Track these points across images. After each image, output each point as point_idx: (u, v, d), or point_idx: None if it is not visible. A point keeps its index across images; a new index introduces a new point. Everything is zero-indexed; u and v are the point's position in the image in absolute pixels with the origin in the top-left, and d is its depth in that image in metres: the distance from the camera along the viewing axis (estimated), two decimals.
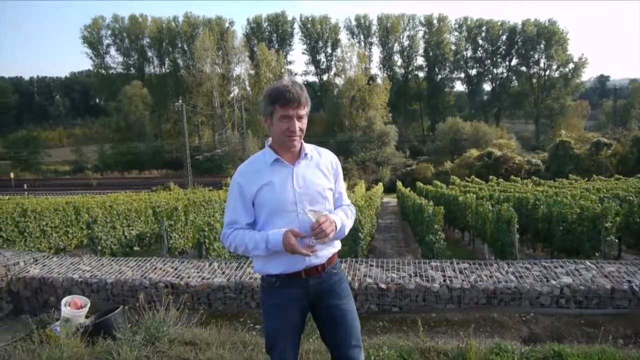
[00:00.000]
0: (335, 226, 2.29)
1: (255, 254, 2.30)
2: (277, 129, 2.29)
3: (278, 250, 2.23)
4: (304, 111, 2.30)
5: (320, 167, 2.44)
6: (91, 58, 73.29)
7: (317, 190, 2.38)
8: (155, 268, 6.14)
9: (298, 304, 2.42)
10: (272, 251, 2.26)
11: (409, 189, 25.05)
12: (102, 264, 6.43)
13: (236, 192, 2.38)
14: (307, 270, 2.38)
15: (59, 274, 5.97)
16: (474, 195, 13.72)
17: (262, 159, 2.39)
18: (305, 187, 2.35)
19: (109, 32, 72.13)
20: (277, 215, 2.32)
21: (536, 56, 73.78)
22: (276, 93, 2.25)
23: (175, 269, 6.08)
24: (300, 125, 2.29)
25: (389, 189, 40.01)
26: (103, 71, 74.68)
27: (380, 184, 35.65)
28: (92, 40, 71.44)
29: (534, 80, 74.93)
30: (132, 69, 74.10)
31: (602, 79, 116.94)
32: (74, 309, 4.62)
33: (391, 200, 32.26)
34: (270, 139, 2.43)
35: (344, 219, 2.42)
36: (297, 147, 2.36)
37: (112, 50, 73.58)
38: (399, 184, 32.33)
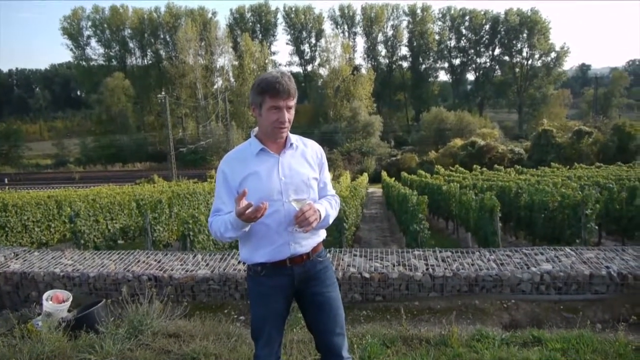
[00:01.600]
0: (320, 215, 2.30)
1: (227, 235, 2.30)
2: (267, 120, 2.29)
3: (240, 224, 2.21)
4: (293, 102, 2.32)
5: (305, 156, 2.46)
6: (71, 50, 72.08)
7: (302, 179, 2.40)
8: (139, 261, 6.11)
9: (283, 292, 2.45)
10: (238, 227, 2.23)
11: (393, 179, 25.15)
12: (85, 258, 6.38)
13: (221, 181, 2.40)
14: (292, 259, 2.40)
15: (40, 268, 5.91)
16: (458, 185, 13.82)
17: (248, 149, 2.40)
18: (291, 177, 2.37)
19: (89, 23, 70.82)
20: None
21: (519, 45, 74.20)
22: (266, 84, 2.25)
23: (159, 262, 6.06)
24: (289, 116, 2.31)
25: (374, 179, 40.13)
26: (84, 63, 73.40)
27: (365, 174, 35.74)
28: (72, 31, 70.14)
29: (517, 70, 75.43)
30: (113, 60, 72.93)
31: (584, 68, 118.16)
32: (56, 303, 4.59)
33: (376, 190, 32.38)
34: (256, 129, 2.45)
35: (328, 208, 2.44)
36: (284, 138, 2.38)
37: (93, 42, 72.40)
38: (384, 174, 32.44)
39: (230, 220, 2.24)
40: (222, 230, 2.30)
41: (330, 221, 2.48)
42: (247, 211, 2.13)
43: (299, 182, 2.38)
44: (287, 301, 2.49)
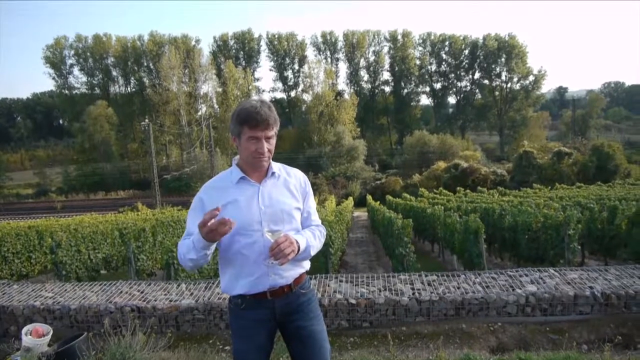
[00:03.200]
0: (299, 247, 2.25)
1: (189, 256, 2.21)
2: (245, 150, 2.27)
3: (202, 242, 2.13)
4: (273, 132, 2.29)
5: (287, 185, 2.43)
6: (54, 78, 71.57)
7: (283, 208, 2.36)
8: (121, 292, 6.00)
9: (265, 326, 2.40)
10: (199, 246, 2.15)
11: (378, 202, 25.23)
12: (66, 290, 6.24)
13: (198, 207, 2.35)
14: (273, 291, 2.36)
15: (20, 301, 5.77)
16: (442, 207, 13.89)
17: (229, 177, 2.37)
18: (271, 206, 2.33)
19: (72, 51, 70.65)
20: (242, 234, 2.29)
21: (498, 69, 75.78)
22: (245, 114, 2.22)
23: (142, 292, 5.95)
24: (269, 146, 2.28)
25: (359, 203, 40.16)
26: (66, 91, 72.94)
27: (351, 198, 35.76)
28: (55, 60, 69.88)
29: (497, 93, 76.86)
30: (96, 88, 72.63)
31: (561, 91, 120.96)
32: (35, 338, 4.47)
33: (362, 214, 32.38)
34: (237, 157, 2.42)
35: (310, 239, 2.39)
36: (265, 167, 2.35)
37: (76, 70, 72.12)
38: (369, 197, 32.48)
39: (194, 239, 2.17)
40: (184, 251, 2.23)
41: (313, 252, 2.42)
42: (210, 222, 2.05)
43: (279, 211, 2.35)
44: (270, 334, 2.44)
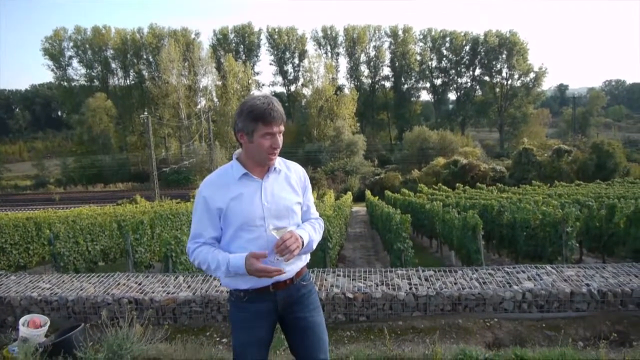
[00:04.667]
0: (303, 242, 2.28)
1: (217, 274, 2.29)
2: (259, 146, 2.27)
3: (241, 272, 2.21)
4: (283, 127, 2.32)
5: (289, 180, 2.44)
6: (53, 70, 71.28)
7: (286, 204, 2.38)
8: (119, 284, 6.01)
9: (266, 318, 2.42)
10: (236, 274, 2.24)
11: (377, 197, 25.26)
12: (63, 281, 6.25)
13: (201, 205, 2.36)
14: (275, 284, 2.38)
15: (17, 292, 5.78)
16: (441, 203, 13.91)
17: (230, 173, 2.37)
18: (274, 202, 2.34)
19: (71, 43, 70.32)
20: (245, 230, 2.30)
21: (498, 66, 75.53)
22: (259, 111, 2.22)
23: (140, 284, 5.97)
24: (281, 141, 2.31)
25: (358, 197, 40.19)
26: (65, 83, 72.69)
27: (350, 193, 35.78)
28: (54, 52, 69.58)
29: (497, 90, 76.68)
30: (95, 80, 72.40)
31: (562, 88, 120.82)
32: (33, 328, 4.48)
33: (360, 209, 32.42)
34: (238, 151, 2.42)
35: (312, 233, 2.42)
36: (274, 163, 2.36)
37: (75, 62, 71.77)
38: (368, 192, 32.52)
39: (229, 266, 2.23)
40: (213, 267, 2.28)
41: (314, 245, 2.46)
42: (259, 271, 2.17)
43: (281, 207, 2.36)
44: (270, 327, 2.46)
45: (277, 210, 2.35)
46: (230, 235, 2.33)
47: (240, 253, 2.24)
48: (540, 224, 8.84)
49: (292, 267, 2.41)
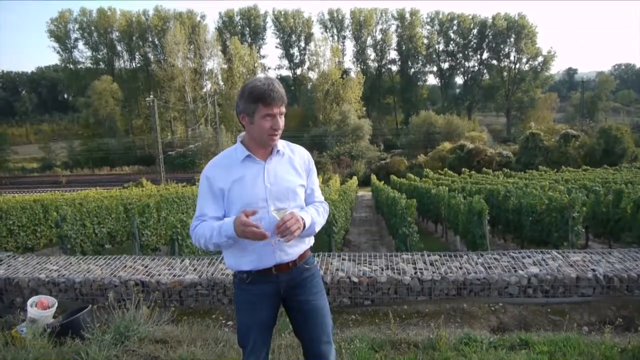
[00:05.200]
0: (304, 224, 2.27)
1: (214, 241, 2.26)
2: (260, 128, 2.26)
3: (231, 235, 2.18)
4: (284, 109, 2.30)
5: (292, 163, 2.44)
6: (58, 52, 71.26)
7: (288, 186, 2.38)
8: (125, 266, 6.06)
9: (269, 300, 2.43)
10: (228, 238, 2.21)
11: (383, 182, 25.23)
12: (70, 263, 6.31)
13: (205, 186, 2.37)
14: (278, 267, 2.38)
15: (25, 274, 5.84)
16: (447, 188, 13.89)
17: (234, 155, 2.37)
18: (276, 184, 2.35)
19: (77, 25, 70.17)
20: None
21: (506, 49, 74.80)
22: (259, 91, 2.21)
23: (146, 267, 6.01)
24: (281, 122, 2.29)
25: (364, 182, 40.20)
26: (71, 66, 72.65)
27: (355, 177, 35.77)
28: (59, 34, 69.46)
29: (505, 74, 76.02)
30: (101, 63, 72.34)
31: (570, 72, 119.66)
32: (41, 309, 4.53)
33: (366, 194, 32.44)
34: (242, 134, 2.42)
35: (315, 216, 2.41)
36: (276, 145, 2.36)
37: (80, 45, 71.68)
38: (374, 177, 32.54)
39: (221, 228, 2.21)
40: (208, 236, 2.26)
41: (317, 229, 2.45)
42: (248, 228, 2.11)
43: (284, 189, 2.36)
44: (274, 309, 2.48)
45: (280, 192, 2.35)
46: (233, 216, 2.32)
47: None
48: (547, 209, 8.81)
49: (295, 250, 2.41)
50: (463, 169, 29.98)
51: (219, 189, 2.33)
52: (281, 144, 2.42)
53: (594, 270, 5.14)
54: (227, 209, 2.37)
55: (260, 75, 2.52)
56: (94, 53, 72.11)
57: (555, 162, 34.67)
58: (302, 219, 2.26)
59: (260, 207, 2.29)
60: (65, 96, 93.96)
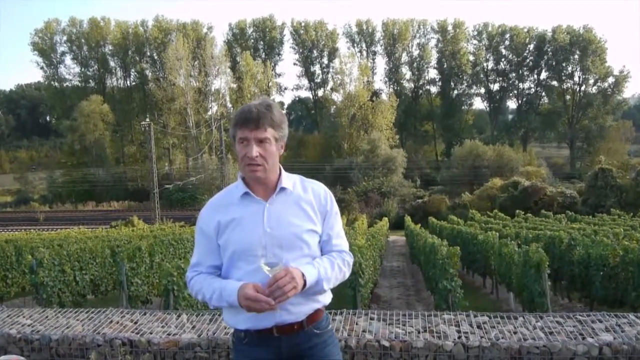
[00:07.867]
0: (305, 282, 2.19)
1: (214, 304, 2.27)
2: (238, 156, 2.28)
3: (233, 303, 2.18)
4: (267, 134, 2.23)
5: (301, 203, 2.37)
6: (42, 68, 73.55)
7: (294, 232, 2.31)
8: (111, 321, 6.08)
9: None
10: (230, 305, 2.22)
11: (419, 225, 25.06)
12: (47, 317, 6.35)
13: (199, 230, 2.40)
14: (280, 328, 2.31)
15: None
16: (497, 234, 13.73)
17: (234, 192, 2.37)
18: (279, 228, 2.29)
19: (65, 37, 72.53)
20: (243, 259, 2.28)
21: (569, 69, 74.99)
22: (237, 113, 2.27)
23: (135, 323, 6.02)
24: (261, 150, 2.22)
25: (396, 224, 40.02)
26: (56, 84, 74.79)
27: (386, 219, 35.58)
28: (44, 46, 71.71)
29: (568, 97, 75.99)
30: (90, 81, 74.43)
31: None
32: None
33: (398, 238, 32.28)
34: None
35: (327, 269, 2.32)
36: (262, 179, 2.30)
37: (68, 59, 74.03)
38: (408, 219, 32.35)
39: (223, 290, 2.22)
40: (207, 297, 2.29)
41: (331, 285, 2.35)
42: (246, 298, 2.11)
43: (288, 235, 2.29)
44: None
45: (283, 238, 2.28)
46: (227, 264, 2.33)
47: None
48: (622, 262, 8.64)
49: (300, 309, 2.32)
50: (517, 211, 29.68)
51: (215, 233, 2.34)
52: (291, 180, 2.39)
53: None
54: (222, 255, 2.36)
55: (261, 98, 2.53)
56: (83, 69, 74.21)
57: (631, 204, 34.12)
58: (303, 274, 2.19)
59: (259, 255, 2.24)
60: (48, 119, 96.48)
